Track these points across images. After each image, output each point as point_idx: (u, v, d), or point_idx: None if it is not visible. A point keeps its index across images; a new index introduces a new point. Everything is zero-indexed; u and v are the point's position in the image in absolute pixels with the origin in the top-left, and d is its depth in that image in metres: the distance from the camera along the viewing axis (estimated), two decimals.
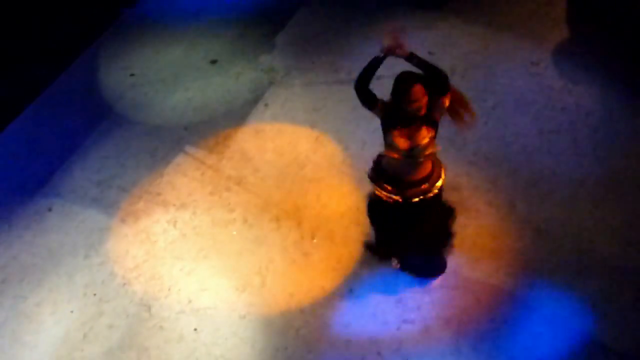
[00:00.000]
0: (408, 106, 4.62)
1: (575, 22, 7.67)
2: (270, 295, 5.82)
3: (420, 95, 4.60)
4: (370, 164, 5.15)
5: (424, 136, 4.77)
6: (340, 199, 6.38)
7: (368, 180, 5.16)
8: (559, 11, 7.80)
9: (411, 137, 4.76)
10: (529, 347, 5.33)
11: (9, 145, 7.26)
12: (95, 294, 5.99)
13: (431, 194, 5.05)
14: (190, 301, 5.87)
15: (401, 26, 5.01)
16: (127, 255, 6.21)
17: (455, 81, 7.09)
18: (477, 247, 5.89)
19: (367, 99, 4.70)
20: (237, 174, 6.69)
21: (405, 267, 5.77)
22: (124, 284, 6.03)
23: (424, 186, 5.01)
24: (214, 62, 7.84)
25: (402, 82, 4.61)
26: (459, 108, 4.88)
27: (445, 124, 4.96)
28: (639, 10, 7.68)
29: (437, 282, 5.69)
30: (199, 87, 7.59)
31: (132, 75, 7.81)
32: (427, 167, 4.99)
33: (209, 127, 7.14)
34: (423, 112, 4.67)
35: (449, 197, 6.18)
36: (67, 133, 7.27)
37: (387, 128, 4.79)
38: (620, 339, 5.29)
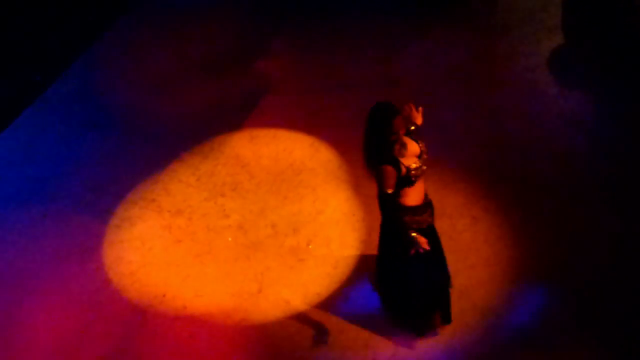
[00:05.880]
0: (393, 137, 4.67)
1: (570, 29, 7.70)
2: (266, 301, 5.81)
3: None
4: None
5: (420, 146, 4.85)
6: (336, 205, 6.38)
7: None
8: (553, 17, 7.82)
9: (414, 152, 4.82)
10: (525, 354, 5.32)
11: (4, 151, 7.24)
12: (90, 300, 5.96)
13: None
14: (185, 307, 5.85)
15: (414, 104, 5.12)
16: (122, 262, 6.19)
17: (451, 87, 7.19)
18: (472, 253, 5.89)
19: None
20: (233, 179, 6.69)
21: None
22: (119, 290, 6.01)
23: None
24: (209, 68, 7.83)
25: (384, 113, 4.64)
26: None
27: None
28: (633, 17, 7.71)
29: None
30: (194, 92, 7.58)
31: (126, 81, 7.80)
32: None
33: (204, 133, 7.13)
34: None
35: (446, 201, 6.21)
36: (62, 138, 7.26)
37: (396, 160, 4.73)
38: (616, 345, 5.30)
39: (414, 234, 4.72)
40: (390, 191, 4.68)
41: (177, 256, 6.18)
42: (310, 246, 6.12)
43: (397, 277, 5.25)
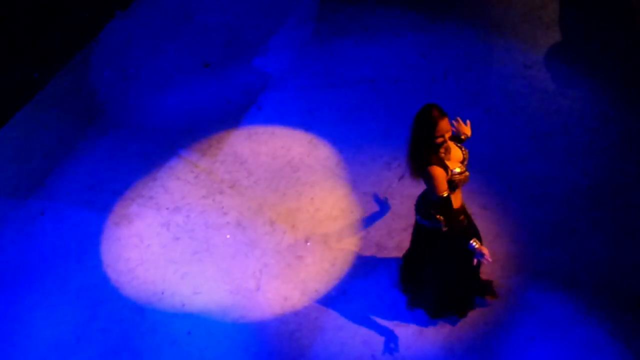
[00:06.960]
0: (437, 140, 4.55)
1: (567, 25, 7.69)
2: (264, 298, 5.82)
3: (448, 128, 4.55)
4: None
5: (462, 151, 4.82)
6: (334, 202, 6.38)
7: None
8: (551, 14, 7.81)
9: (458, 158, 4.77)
10: (523, 349, 5.34)
11: (2, 148, 7.23)
12: (88, 298, 5.97)
13: None
14: (183, 305, 5.86)
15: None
16: (120, 259, 6.19)
17: (448, 84, 7.18)
18: None
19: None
20: (231, 177, 6.68)
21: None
22: (118, 288, 6.01)
23: None
24: (207, 64, 7.82)
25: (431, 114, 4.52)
26: None
27: None
28: (631, 13, 7.71)
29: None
30: (192, 89, 7.57)
31: (124, 78, 7.79)
32: None
33: (202, 130, 7.12)
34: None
35: None
36: (60, 136, 7.24)
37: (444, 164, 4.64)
38: (614, 341, 5.30)
39: (475, 243, 4.62)
40: (446, 194, 4.56)
41: (176, 253, 6.19)
42: (308, 243, 6.12)
43: (442, 279, 5.29)
